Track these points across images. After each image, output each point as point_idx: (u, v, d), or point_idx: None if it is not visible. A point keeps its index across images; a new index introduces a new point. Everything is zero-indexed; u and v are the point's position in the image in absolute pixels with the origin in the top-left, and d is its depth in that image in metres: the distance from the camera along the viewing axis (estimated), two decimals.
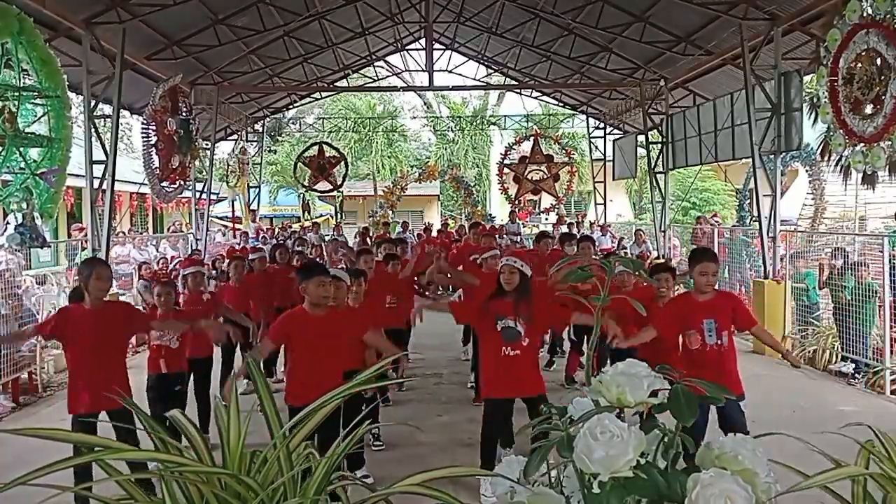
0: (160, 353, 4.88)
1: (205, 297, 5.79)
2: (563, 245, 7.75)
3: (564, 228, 14.99)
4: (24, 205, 6.81)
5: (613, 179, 18.22)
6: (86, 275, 4.02)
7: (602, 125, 18.54)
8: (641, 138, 14.51)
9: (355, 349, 4.54)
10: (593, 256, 7.11)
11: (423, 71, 14.19)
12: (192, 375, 5.24)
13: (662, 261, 10.36)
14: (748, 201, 14.70)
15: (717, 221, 13.50)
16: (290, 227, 19.69)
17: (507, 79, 18.77)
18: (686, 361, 4.04)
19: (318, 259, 9.76)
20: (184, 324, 4.72)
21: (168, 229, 18.87)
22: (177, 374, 4.92)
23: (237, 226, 17.69)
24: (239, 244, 14.17)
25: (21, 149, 6.72)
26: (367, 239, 12.67)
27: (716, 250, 11.10)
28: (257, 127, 18.65)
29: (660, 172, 13.60)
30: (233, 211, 18.79)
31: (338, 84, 18.07)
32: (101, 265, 4.40)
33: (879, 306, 7.15)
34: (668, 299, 4.76)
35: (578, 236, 8.93)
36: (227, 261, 12.35)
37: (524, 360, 4.17)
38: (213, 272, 11.15)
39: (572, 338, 7.10)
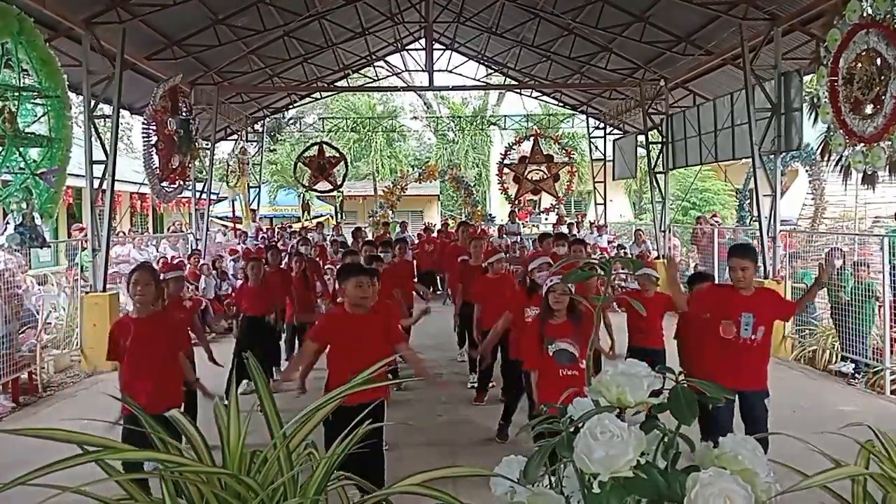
0: None
1: (185, 304, 5.80)
2: (555, 246, 7.78)
3: (564, 228, 15.01)
4: (24, 205, 6.81)
5: (613, 179, 18.22)
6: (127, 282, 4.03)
7: (602, 125, 18.54)
8: (641, 138, 14.51)
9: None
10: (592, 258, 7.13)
11: (423, 71, 14.19)
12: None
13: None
14: (748, 201, 14.72)
15: (717, 221, 13.50)
16: (290, 226, 19.67)
17: (507, 79, 18.77)
18: (716, 352, 4.10)
19: (318, 259, 9.75)
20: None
21: (168, 229, 18.87)
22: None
23: (237, 226, 17.69)
24: (238, 244, 14.19)
25: (21, 149, 6.72)
26: (359, 239, 12.69)
27: (716, 250, 11.12)
28: (257, 127, 18.65)
29: (660, 172, 13.60)
30: (233, 211, 18.79)
31: (338, 84, 18.07)
32: (139, 270, 4.22)
33: (879, 306, 7.15)
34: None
35: (571, 239, 8.92)
36: (228, 260, 12.40)
37: (581, 380, 4.14)
38: (214, 272, 11.17)
39: None
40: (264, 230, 16.81)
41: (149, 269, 4.30)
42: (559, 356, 4.04)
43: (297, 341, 7.99)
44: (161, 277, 5.95)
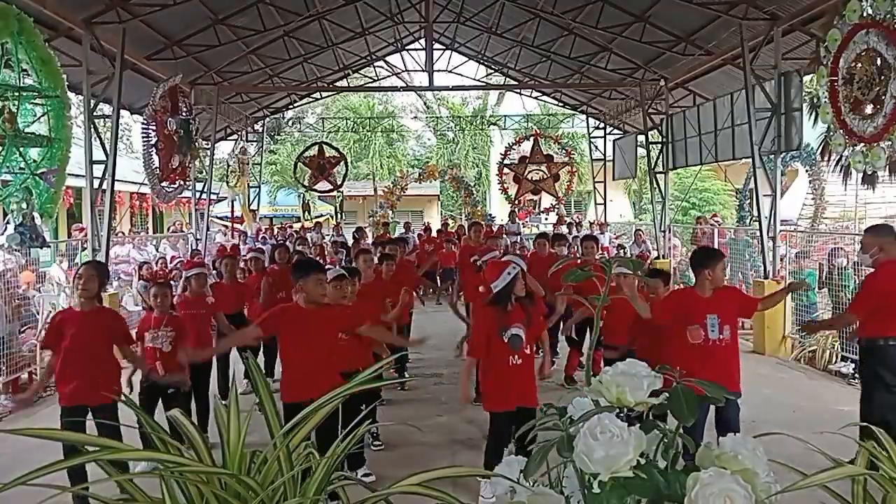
0: (155, 355, 4.86)
1: (208, 300, 5.79)
2: (554, 246, 7.80)
3: (564, 228, 15.01)
4: (23, 205, 6.81)
5: (613, 179, 18.22)
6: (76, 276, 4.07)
7: (602, 125, 18.53)
8: (641, 138, 14.51)
9: (357, 350, 4.53)
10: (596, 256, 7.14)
11: (423, 71, 14.18)
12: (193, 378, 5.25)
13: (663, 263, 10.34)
14: (748, 201, 14.71)
15: (717, 221, 13.50)
16: (290, 227, 19.68)
17: (507, 79, 18.76)
18: (686, 356, 4.04)
19: (318, 258, 9.75)
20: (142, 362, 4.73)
21: (168, 229, 18.87)
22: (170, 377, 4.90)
23: (237, 226, 17.69)
24: (236, 244, 14.18)
25: (21, 149, 6.72)
26: (361, 240, 12.69)
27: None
28: (257, 127, 18.65)
29: (660, 172, 13.60)
30: (232, 211, 18.79)
31: (338, 84, 18.07)
32: (87, 266, 4.37)
33: None
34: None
35: (581, 236, 8.95)
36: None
37: (528, 369, 4.13)
38: (213, 272, 11.16)
39: (573, 337, 7.09)
40: (264, 230, 16.80)
41: (94, 265, 4.44)
42: (513, 341, 4.02)
43: None
44: (183, 275, 6.02)
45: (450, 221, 22.79)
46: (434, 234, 15.57)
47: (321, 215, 24.45)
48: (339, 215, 25.70)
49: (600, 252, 13.10)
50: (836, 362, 7.64)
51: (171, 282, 6.29)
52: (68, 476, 3.32)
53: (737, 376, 4.08)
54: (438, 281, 12.89)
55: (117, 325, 4.40)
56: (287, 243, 11.61)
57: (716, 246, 11.10)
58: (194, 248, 13.25)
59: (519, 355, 4.05)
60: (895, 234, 4.39)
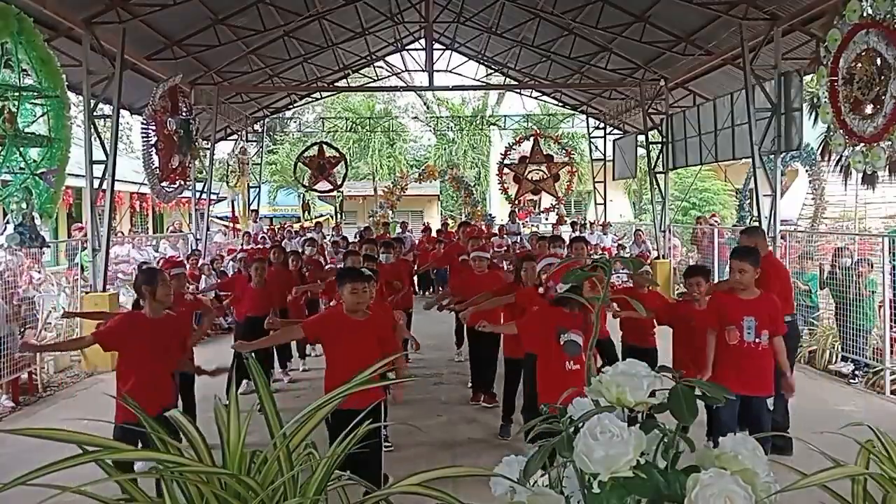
0: None
1: (187, 297, 5.83)
2: (551, 247, 7.78)
3: (566, 227, 15.02)
4: (23, 205, 6.81)
5: (613, 179, 18.22)
6: (148, 284, 4.02)
7: (602, 125, 18.54)
8: (641, 138, 14.51)
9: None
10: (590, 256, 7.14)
11: (423, 71, 14.19)
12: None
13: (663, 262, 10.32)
14: (748, 201, 14.71)
15: (716, 221, 13.50)
16: (291, 227, 19.68)
17: (507, 79, 18.76)
18: (722, 357, 4.11)
19: (318, 258, 9.75)
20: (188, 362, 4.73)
21: (168, 229, 18.86)
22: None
23: (237, 226, 17.68)
24: (241, 244, 14.18)
25: (21, 149, 6.72)
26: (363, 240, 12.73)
27: (716, 250, 11.13)
28: (257, 127, 18.65)
29: (660, 172, 13.60)
30: (233, 211, 18.79)
31: (338, 84, 18.07)
32: (163, 274, 4.33)
33: (879, 306, 7.15)
34: (703, 303, 4.79)
35: (572, 237, 8.94)
36: (227, 260, 12.39)
37: (582, 375, 4.11)
38: (213, 272, 11.16)
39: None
40: (264, 231, 16.79)
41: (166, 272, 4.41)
42: (568, 347, 4.02)
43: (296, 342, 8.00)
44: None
45: (449, 221, 22.79)
46: (434, 233, 15.57)
47: (321, 215, 24.45)
48: (339, 215, 25.71)
49: (600, 252, 13.14)
50: (836, 362, 7.64)
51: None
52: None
53: (769, 378, 4.13)
54: (433, 281, 12.92)
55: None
56: (283, 243, 11.63)
57: (715, 246, 11.10)
58: (193, 248, 13.25)
59: (576, 361, 4.04)
60: (764, 235, 5.31)
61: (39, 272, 8.54)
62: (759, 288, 4.23)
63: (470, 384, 6.82)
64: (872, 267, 7.42)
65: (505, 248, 12.50)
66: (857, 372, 7.22)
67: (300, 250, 9.63)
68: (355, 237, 14.52)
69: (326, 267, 9.13)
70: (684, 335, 4.81)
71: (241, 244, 14.19)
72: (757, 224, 7.62)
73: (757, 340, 4.07)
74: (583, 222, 17.51)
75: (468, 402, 6.44)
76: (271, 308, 6.88)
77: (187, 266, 9.90)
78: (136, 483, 1.44)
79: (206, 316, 6.03)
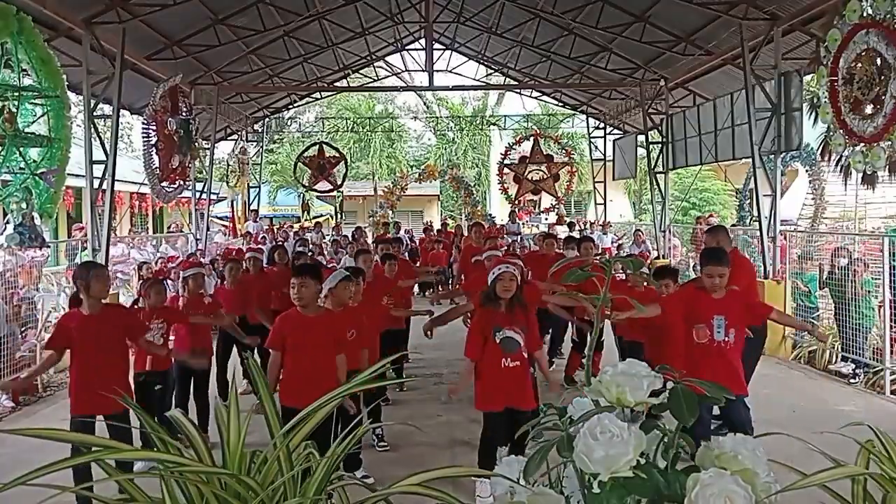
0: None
1: (205, 300, 5.77)
2: (543, 245, 7.85)
3: (563, 227, 15.02)
4: (23, 205, 6.80)
5: (613, 179, 18.22)
6: (84, 278, 3.98)
7: (602, 125, 18.54)
8: (641, 138, 14.51)
9: (357, 349, 4.53)
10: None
11: (423, 71, 14.19)
12: (192, 377, 5.25)
13: (663, 263, 10.35)
14: (748, 201, 14.70)
15: (710, 222, 13.50)
16: (291, 227, 19.68)
17: (507, 79, 18.77)
18: (691, 356, 4.09)
19: (319, 258, 9.76)
20: (162, 348, 4.77)
21: (167, 229, 18.86)
22: (159, 373, 4.90)
23: (238, 226, 17.68)
24: (243, 244, 14.17)
25: (21, 149, 6.72)
26: (359, 240, 12.74)
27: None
28: (257, 127, 18.65)
29: (660, 172, 13.60)
30: (233, 211, 18.79)
31: (338, 84, 18.07)
32: (100, 267, 4.35)
33: (879, 306, 7.15)
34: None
35: (579, 237, 8.97)
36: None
37: (521, 372, 4.12)
38: (213, 273, 11.16)
39: (574, 339, 7.09)
40: (264, 230, 16.78)
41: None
42: (505, 344, 4.03)
43: None
44: (181, 275, 6.00)
45: (449, 221, 22.80)
46: (435, 233, 15.58)
47: (321, 215, 24.45)
48: (339, 215, 25.70)
49: (600, 253, 13.15)
50: (836, 362, 7.64)
51: (168, 280, 6.27)
52: (74, 475, 3.31)
53: (741, 378, 4.11)
54: (432, 283, 12.93)
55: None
56: (286, 244, 11.61)
57: None
58: (193, 248, 13.24)
59: (513, 358, 4.04)
60: (727, 232, 5.78)
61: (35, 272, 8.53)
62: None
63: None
64: (868, 267, 7.43)
65: (504, 248, 12.51)
66: (857, 370, 7.23)
67: (294, 251, 9.63)
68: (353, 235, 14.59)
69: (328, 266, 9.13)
70: (660, 333, 4.79)
71: (243, 244, 14.18)
72: (721, 224, 7.94)
73: (726, 339, 4.04)
74: (570, 222, 17.50)
75: (471, 402, 6.42)
76: (245, 309, 6.79)
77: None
78: (135, 483, 1.44)
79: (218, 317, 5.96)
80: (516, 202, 18.21)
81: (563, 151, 18.92)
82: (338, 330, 4.12)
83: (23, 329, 7.35)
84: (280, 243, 11.13)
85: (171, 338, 5.33)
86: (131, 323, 4.38)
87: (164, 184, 10.50)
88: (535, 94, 19.83)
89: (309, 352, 3.95)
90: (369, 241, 14.82)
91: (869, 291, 7.30)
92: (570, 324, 7.19)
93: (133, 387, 4.65)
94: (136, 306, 5.17)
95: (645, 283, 5.55)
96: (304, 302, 4.03)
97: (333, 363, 3.99)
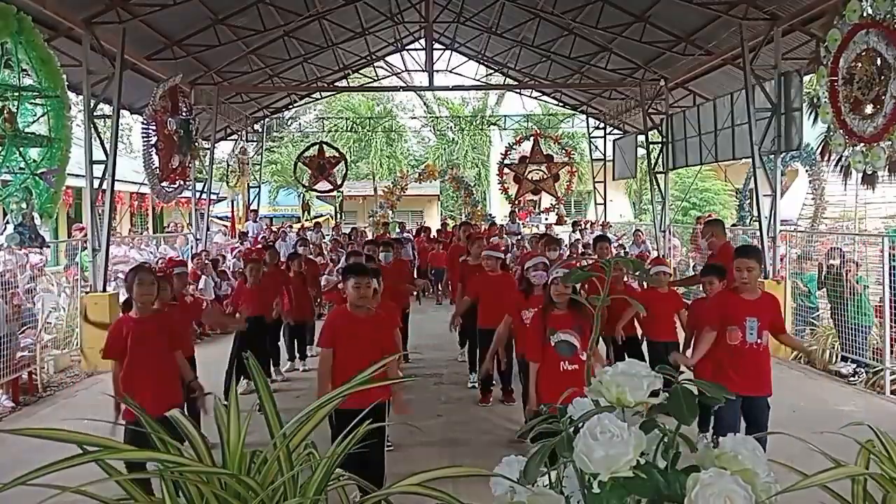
0: None
1: (187, 299, 5.80)
2: (547, 248, 7.81)
3: (567, 228, 15.02)
4: (23, 205, 6.80)
5: (613, 179, 18.22)
6: (129, 283, 3.99)
7: (602, 125, 18.54)
8: (641, 138, 14.51)
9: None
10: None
11: (423, 71, 14.19)
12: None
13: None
14: (748, 201, 14.71)
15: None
16: (289, 227, 19.68)
17: (507, 79, 18.77)
18: (723, 357, 4.11)
19: (318, 258, 9.76)
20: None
21: (164, 229, 18.87)
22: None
23: (237, 226, 17.69)
24: (239, 244, 14.18)
25: (21, 149, 6.72)
26: (356, 240, 12.78)
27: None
28: (257, 127, 18.65)
29: (660, 172, 13.60)
30: (232, 211, 18.79)
31: (338, 84, 18.07)
32: (143, 271, 4.19)
33: (879, 306, 7.15)
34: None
35: (595, 236, 9.01)
36: (225, 260, 12.39)
37: (581, 375, 4.11)
38: (214, 272, 11.16)
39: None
40: (264, 229, 16.79)
41: (149, 270, 4.31)
42: (560, 347, 4.04)
43: (294, 341, 7.99)
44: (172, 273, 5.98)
45: (449, 221, 22.80)
46: (434, 234, 15.59)
47: (321, 215, 24.45)
48: (339, 215, 25.70)
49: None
50: (835, 362, 7.63)
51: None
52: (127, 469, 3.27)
53: (769, 378, 4.15)
54: (430, 281, 12.96)
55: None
56: (277, 244, 11.63)
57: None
58: (193, 248, 13.23)
59: (571, 361, 4.03)
60: (723, 225, 6.58)
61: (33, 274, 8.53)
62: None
63: (471, 384, 6.81)
64: (859, 266, 7.45)
65: (504, 248, 12.50)
66: (858, 369, 7.23)
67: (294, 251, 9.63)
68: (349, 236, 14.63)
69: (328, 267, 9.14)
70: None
71: (243, 244, 14.19)
72: (718, 219, 8.59)
73: (758, 341, 4.06)
74: (574, 221, 17.51)
75: (475, 403, 6.41)
76: (269, 307, 6.87)
77: (189, 266, 9.90)
78: (139, 484, 1.44)
79: (206, 316, 6.00)
80: (516, 202, 18.21)
81: (563, 151, 18.92)
82: (383, 329, 4.12)
83: (22, 329, 7.35)
84: (271, 244, 11.13)
85: None
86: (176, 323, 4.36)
87: (164, 184, 10.50)
88: (535, 94, 19.84)
89: (359, 351, 3.88)
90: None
91: (866, 287, 7.31)
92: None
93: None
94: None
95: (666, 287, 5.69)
96: (368, 301, 4.02)
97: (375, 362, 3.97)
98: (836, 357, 7.67)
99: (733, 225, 15.23)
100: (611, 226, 17.35)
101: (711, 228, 6.41)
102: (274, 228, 17.03)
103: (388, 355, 3.99)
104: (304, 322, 8.04)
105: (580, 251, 11.37)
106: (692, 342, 4.99)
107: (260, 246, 12.55)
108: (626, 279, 6.39)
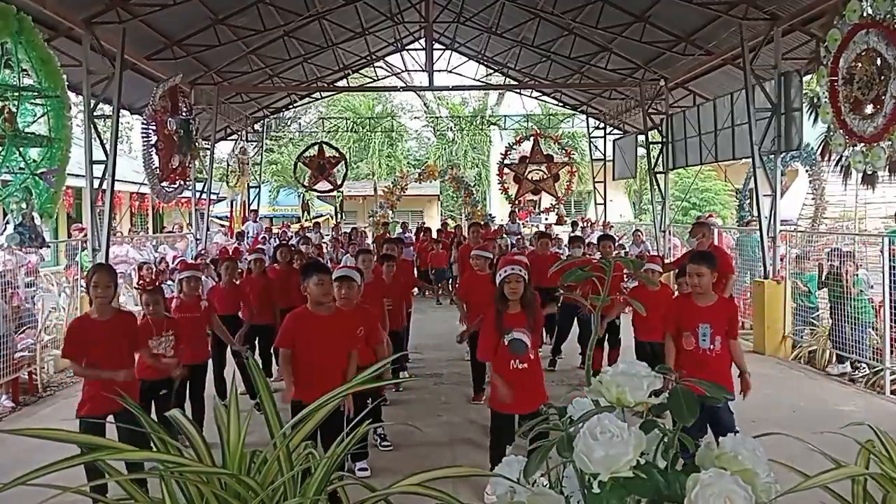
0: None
1: (202, 304, 5.68)
2: (538, 245, 7.90)
3: (562, 227, 15.02)
4: (23, 205, 6.80)
5: (613, 179, 18.21)
6: (88, 282, 3.98)
7: (602, 125, 18.54)
8: (641, 138, 14.51)
9: (361, 348, 4.56)
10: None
11: (423, 71, 14.19)
12: (188, 380, 5.23)
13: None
14: (748, 201, 14.70)
15: (711, 222, 13.48)
16: (288, 227, 19.69)
17: (507, 79, 18.77)
18: (681, 363, 4.12)
19: (318, 258, 9.75)
20: (172, 361, 4.65)
21: (163, 229, 18.86)
22: (164, 380, 4.80)
23: (235, 226, 17.68)
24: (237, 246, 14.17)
25: (21, 149, 6.72)
26: (355, 240, 12.78)
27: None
28: (257, 127, 18.65)
29: (660, 172, 13.59)
30: (232, 211, 18.79)
31: (338, 84, 18.07)
32: (101, 270, 4.14)
33: (880, 305, 7.15)
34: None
35: (598, 235, 9.04)
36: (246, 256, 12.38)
37: (532, 374, 4.13)
38: (214, 273, 11.15)
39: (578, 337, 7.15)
40: (264, 230, 16.78)
41: (107, 270, 4.24)
42: (514, 346, 4.06)
43: None
44: (176, 277, 5.95)
45: (449, 221, 22.78)
46: (434, 235, 15.57)
47: (321, 215, 24.44)
48: (339, 215, 25.69)
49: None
50: (835, 362, 7.63)
51: (163, 285, 6.21)
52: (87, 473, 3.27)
53: (728, 383, 4.06)
54: (431, 281, 12.95)
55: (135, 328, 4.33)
56: (290, 243, 11.60)
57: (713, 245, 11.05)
58: (193, 248, 13.23)
59: (521, 360, 4.06)
60: (708, 226, 7.23)
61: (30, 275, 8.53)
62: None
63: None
64: (858, 267, 7.45)
65: (505, 248, 12.51)
66: (859, 366, 7.22)
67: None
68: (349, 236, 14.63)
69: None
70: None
71: (243, 244, 14.18)
72: (706, 221, 9.26)
73: (711, 347, 4.06)
74: (573, 221, 17.50)
75: (470, 402, 6.43)
76: (240, 307, 6.75)
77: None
78: (134, 483, 1.44)
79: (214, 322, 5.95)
80: (516, 202, 18.20)
81: (563, 151, 18.91)
82: (348, 327, 4.17)
83: (21, 329, 7.35)
84: (284, 242, 11.11)
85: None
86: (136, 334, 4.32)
87: (164, 184, 10.50)
88: (535, 94, 19.83)
89: (320, 351, 3.97)
90: (368, 241, 14.86)
91: (861, 291, 7.31)
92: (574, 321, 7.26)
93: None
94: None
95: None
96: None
97: (340, 361, 4.04)
98: (836, 357, 7.67)
99: (736, 225, 15.23)
100: (612, 226, 17.35)
101: (702, 229, 6.92)
102: (275, 230, 17.04)
103: (355, 350, 4.12)
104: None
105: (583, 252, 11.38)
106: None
107: (260, 246, 12.57)
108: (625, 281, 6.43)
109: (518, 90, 19.58)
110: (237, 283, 6.92)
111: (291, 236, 15.11)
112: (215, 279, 10.97)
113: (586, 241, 12.12)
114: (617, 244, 15.08)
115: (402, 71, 19.85)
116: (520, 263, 4.29)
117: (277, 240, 13.40)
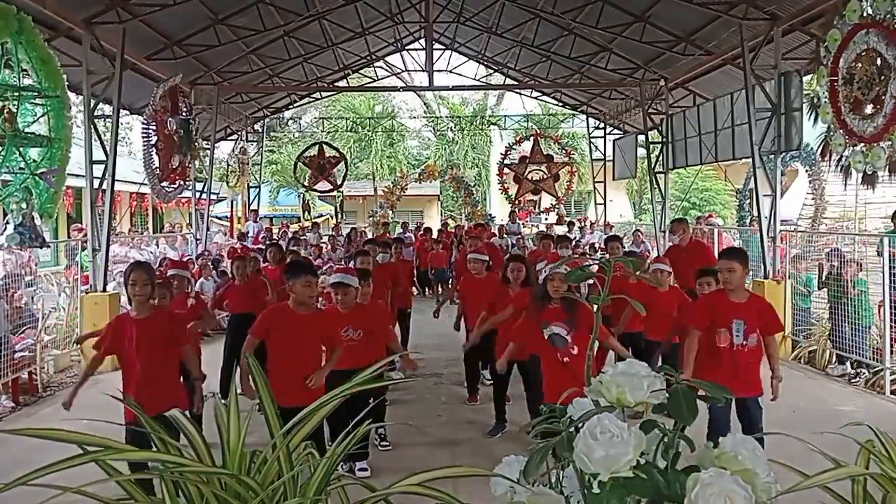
0: None
1: (189, 302, 5.70)
2: (541, 245, 7.95)
3: (563, 228, 15.02)
4: (23, 205, 6.80)
5: (613, 179, 18.22)
6: (126, 280, 3.96)
7: (602, 125, 18.54)
8: (641, 138, 14.51)
9: (363, 346, 4.58)
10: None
11: (422, 71, 14.19)
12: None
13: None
14: (748, 201, 14.70)
15: (711, 222, 13.50)
16: (287, 226, 19.68)
17: (507, 79, 18.76)
18: (711, 358, 4.10)
19: (317, 260, 9.75)
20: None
21: (162, 229, 18.86)
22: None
23: (237, 226, 17.68)
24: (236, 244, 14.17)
25: (21, 149, 6.71)
26: (354, 240, 12.78)
27: (715, 251, 11.09)
28: (257, 127, 18.65)
29: (660, 172, 13.59)
30: (232, 211, 18.79)
31: (338, 84, 18.07)
32: (137, 268, 4.08)
33: (879, 305, 7.15)
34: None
35: (607, 236, 9.10)
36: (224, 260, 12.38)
37: (578, 370, 4.14)
38: (214, 272, 11.16)
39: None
40: (263, 230, 16.77)
41: (146, 268, 4.25)
42: (553, 340, 4.12)
43: None
44: (169, 274, 5.96)
45: (449, 221, 22.78)
46: (434, 235, 15.57)
47: (321, 215, 24.44)
48: (339, 215, 25.69)
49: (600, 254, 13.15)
50: (835, 362, 7.63)
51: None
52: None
53: (757, 379, 4.13)
54: (431, 280, 12.97)
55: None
56: (280, 242, 11.61)
57: (715, 246, 11.07)
58: (193, 248, 13.23)
59: (564, 354, 4.13)
60: (686, 222, 7.77)
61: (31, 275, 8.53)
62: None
63: (487, 381, 6.79)
64: (861, 267, 7.45)
65: (505, 248, 12.51)
66: (859, 366, 7.22)
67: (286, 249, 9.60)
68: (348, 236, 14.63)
69: (327, 266, 9.13)
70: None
71: (241, 244, 14.18)
72: (684, 217, 9.61)
73: (745, 343, 4.05)
74: (570, 221, 17.50)
75: (465, 402, 6.43)
76: (256, 305, 6.76)
77: (194, 266, 9.87)
78: (141, 484, 1.44)
79: (205, 318, 5.97)
80: (516, 202, 18.20)
81: (563, 151, 18.92)
82: (328, 327, 4.26)
83: (21, 329, 7.35)
84: (275, 241, 11.10)
85: None
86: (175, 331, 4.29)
87: (164, 184, 10.50)
88: (535, 94, 19.83)
89: (293, 348, 4.03)
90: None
91: (862, 291, 7.30)
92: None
93: None
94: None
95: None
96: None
97: (317, 363, 4.11)
98: (835, 357, 7.67)
99: (737, 225, 15.23)
100: (612, 226, 17.36)
101: (682, 225, 7.58)
102: (275, 230, 17.03)
103: (335, 350, 4.19)
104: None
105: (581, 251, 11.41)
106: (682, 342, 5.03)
107: (260, 245, 12.57)
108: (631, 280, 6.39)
109: (518, 90, 19.59)
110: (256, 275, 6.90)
111: (282, 235, 15.14)
112: (215, 279, 11.00)
113: (586, 241, 12.14)
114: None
115: (402, 71, 19.85)
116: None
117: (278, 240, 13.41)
